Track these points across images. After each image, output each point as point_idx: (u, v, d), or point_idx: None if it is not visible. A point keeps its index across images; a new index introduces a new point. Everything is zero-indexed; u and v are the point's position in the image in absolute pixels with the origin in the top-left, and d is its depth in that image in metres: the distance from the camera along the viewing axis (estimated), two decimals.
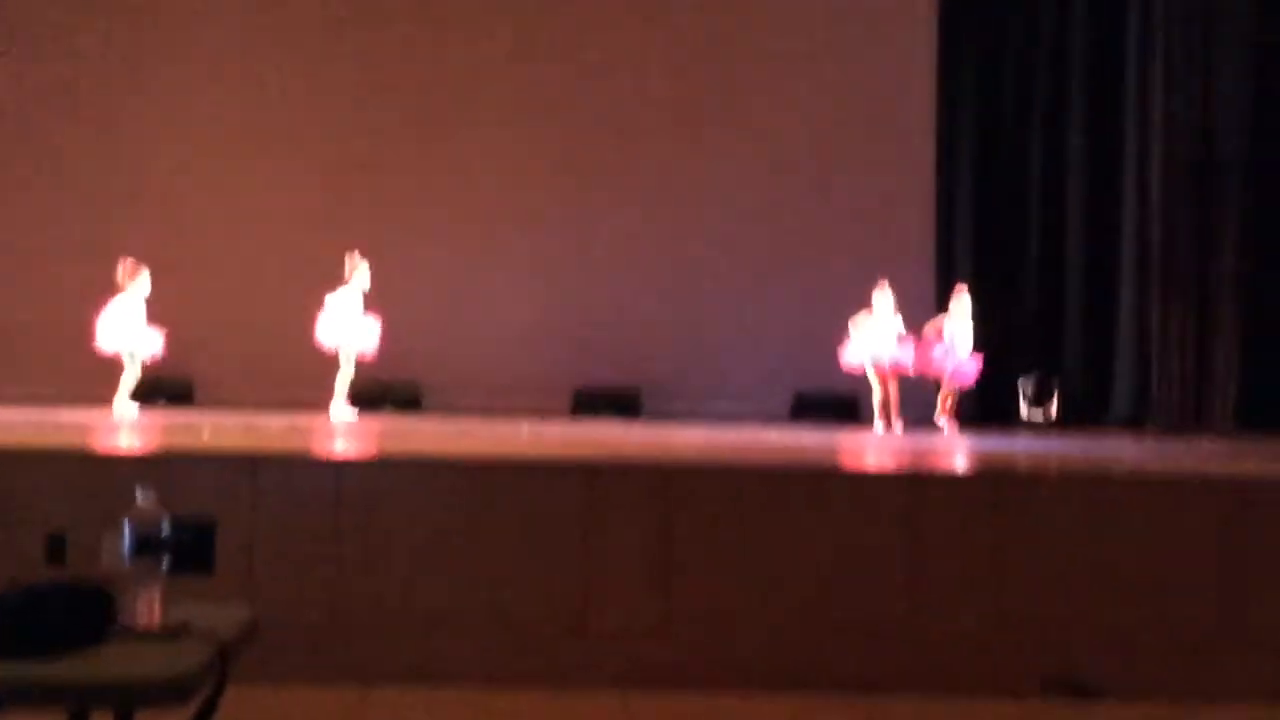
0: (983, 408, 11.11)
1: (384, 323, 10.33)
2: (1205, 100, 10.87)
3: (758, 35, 11.91)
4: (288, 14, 11.89)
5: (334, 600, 5.45)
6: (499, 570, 5.52)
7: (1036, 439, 9.60)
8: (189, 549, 2.96)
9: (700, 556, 5.61)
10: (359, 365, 10.29)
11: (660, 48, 11.92)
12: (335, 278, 10.25)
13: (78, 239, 11.36)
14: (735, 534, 5.64)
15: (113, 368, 10.11)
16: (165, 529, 2.90)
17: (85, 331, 10.06)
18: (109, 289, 10.10)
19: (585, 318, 11.67)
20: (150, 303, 10.13)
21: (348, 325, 10.22)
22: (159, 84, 11.78)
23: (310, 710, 5.04)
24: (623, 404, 11.34)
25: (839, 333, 10.47)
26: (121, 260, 10.09)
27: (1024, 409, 11.11)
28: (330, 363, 10.33)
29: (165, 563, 2.89)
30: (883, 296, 10.29)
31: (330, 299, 10.20)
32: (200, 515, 3.06)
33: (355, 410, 10.25)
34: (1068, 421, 10.95)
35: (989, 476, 6.63)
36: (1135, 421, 10.97)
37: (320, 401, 10.33)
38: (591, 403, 11.35)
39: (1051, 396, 11.11)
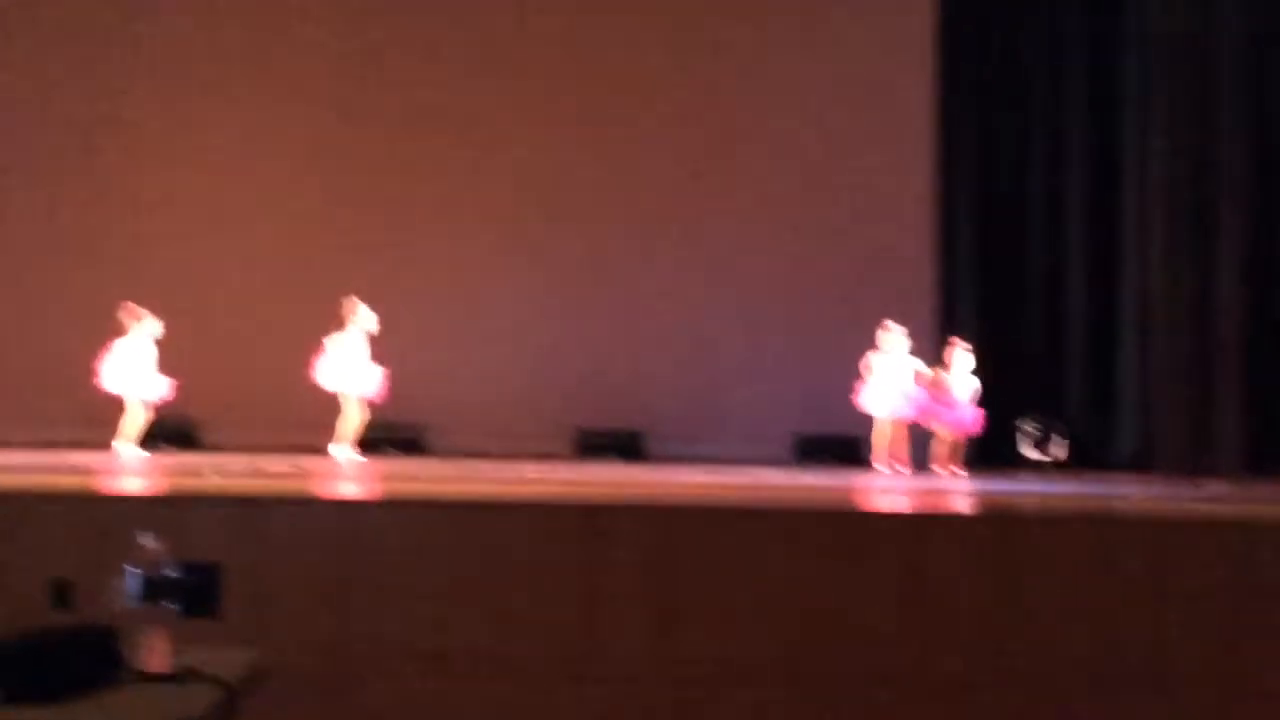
0: (985, 450, 11.08)
1: (387, 364, 10.35)
2: (1204, 141, 10.90)
3: (758, 82, 11.95)
4: (290, 57, 11.93)
5: (339, 642, 5.45)
6: (502, 612, 5.52)
7: (1040, 481, 9.59)
8: (195, 592, 2.96)
9: (702, 598, 5.61)
10: (366, 409, 10.32)
11: (662, 92, 11.95)
12: (337, 320, 10.27)
13: (81, 283, 11.37)
14: (737, 576, 5.64)
15: (117, 412, 10.12)
16: (171, 573, 2.90)
17: (90, 375, 10.09)
18: (114, 333, 10.13)
19: (587, 360, 11.67)
20: (155, 344, 10.16)
21: (348, 369, 10.25)
22: (162, 128, 11.80)
23: None
24: (625, 446, 11.33)
25: (840, 375, 10.48)
26: (124, 305, 10.12)
27: (1027, 451, 11.08)
28: (333, 404, 10.34)
29: (172, 607, 2.89)
30: (890, 338, 10.32)
31: (329, 342, 10.22)
32: (206, 559, 3.06)
33: (358, 453, 10.26)
34: (1071, 464, 10.92)
35: (992, 519, 6.62)
36: (1140, 464, 10.94)
37: (323, 444, 10.33)
38: (593, 444, 11.34)
39: (1055, 439, 11.09)
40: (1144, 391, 11.15)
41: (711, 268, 11.78)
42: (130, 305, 10.12)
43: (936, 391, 10.41)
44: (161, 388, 10.14)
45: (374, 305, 10.41)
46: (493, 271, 11.80)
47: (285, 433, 10.69)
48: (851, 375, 10.48)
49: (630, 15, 12.05)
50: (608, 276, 11.82)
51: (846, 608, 5.59)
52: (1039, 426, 11.11)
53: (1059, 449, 11.03)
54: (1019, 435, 11.09)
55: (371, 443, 10.56)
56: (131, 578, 2.89)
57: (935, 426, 10.49)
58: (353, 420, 10.30)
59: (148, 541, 2.95)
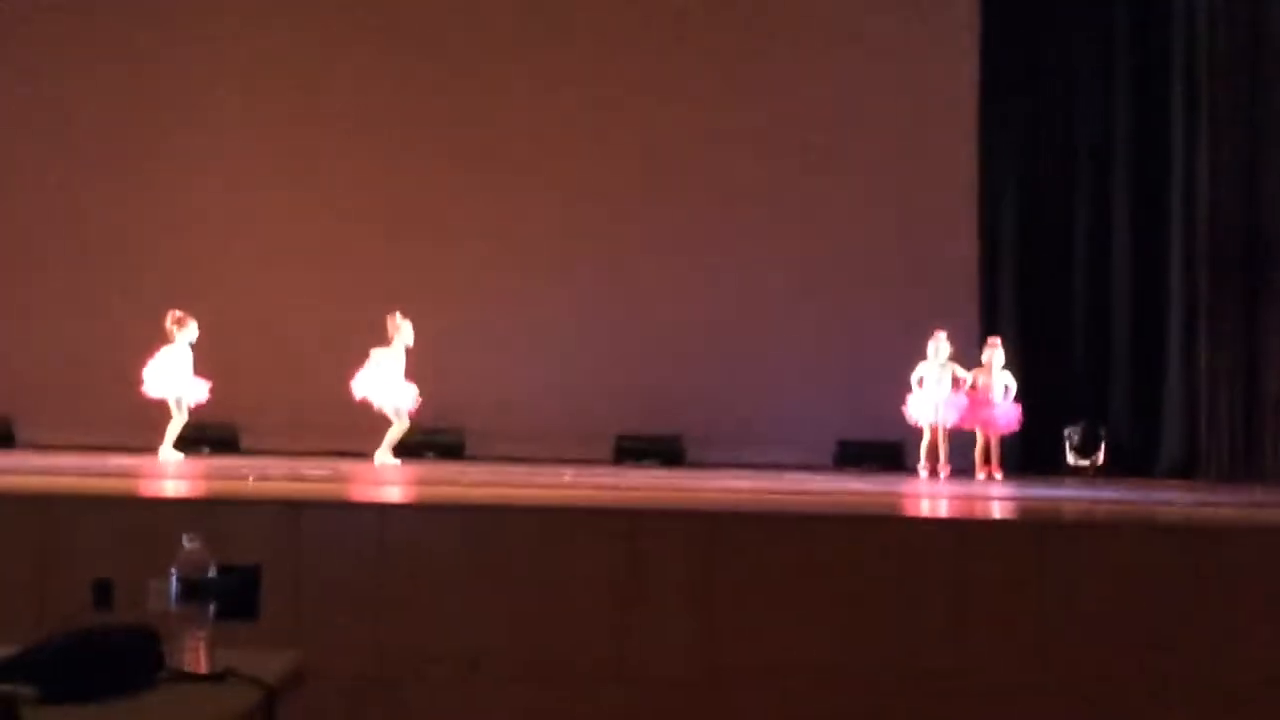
0: (1028, 456, 11.02)
1: (427, 370, 10.36)
2: (1252, 145, 10.80)
3: (799, 87, 11.90)
4: (335, 64, 11.97)
5: (378, 645, 5.45)
6: (541, 617, 5.51)
7: (1083, 488, 9.52)
8: (235, 594, 2.96)
9: (742, 605, 5.58)
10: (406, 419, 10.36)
11: (703, 98, 11.93)
12: (379, 326, 10.30)
13: (125, 288, 11.46)
14: (777, 582, 5.61)
15: (160, 416, 10.18)
16: (213, 574, 2.90)
17: (133, 379, 10.15)
18: (156, 338, 10.19)
19: (627, 365, 11.65)
20: (196, 349, 10.22)
21: (389, 383, 10.25)
22: (206, 134, 11.86)
23: None
24: (665, 451, 11.30)
25: (883, 380, 10.42)
26: (170, 311, 10.19)
27: (1070, 458, 11.01)
28: (374, 411, 10.36)
29: (212, 608, 2.89)
30: (938, 347, 10.29)
31: (375, 354, 10.23)
32: (246, 561, 3.06)
33: (394, 459, 10.28)
34: (1115, 470, 10.84)
35: (1035, 524, 6.57)
36: (1184, 471, 10.85)
37: (364, 449, 10.35)
38: (633, 450, 11.32)
39: (1098, 445, 11.00)
40: (1189, 397, 11.04)
41: (752, 272, 11.75)
42: (177, 312, 10.16)
43: (974, 392, 10.37)
44: (200, 391, 10.18)
45: (415, 310, 10.42)
46: (534, 277, 11.79)
47: (326, 438, 10.73)
48: (894, 380, 10.42)
49: (663, 20, 12.03)
50: (647, 282, 11.80)
51: (888, 613, 5.55)
52: (1083, 432, 11.03)
53: (1102, 455, 10.94)
54: (1063, 441, 11.02)
55: (412, 448, 10.57)
56: (173, 579, 2.89)
57: (975, 428, 10.44)
58: (397, 429, 10.31)
59: (189, 543, 2.95)
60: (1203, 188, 10.96)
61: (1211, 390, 10.81)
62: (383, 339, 10.28)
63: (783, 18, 11.96)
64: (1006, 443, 10.64)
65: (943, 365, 10.38)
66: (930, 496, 8.54)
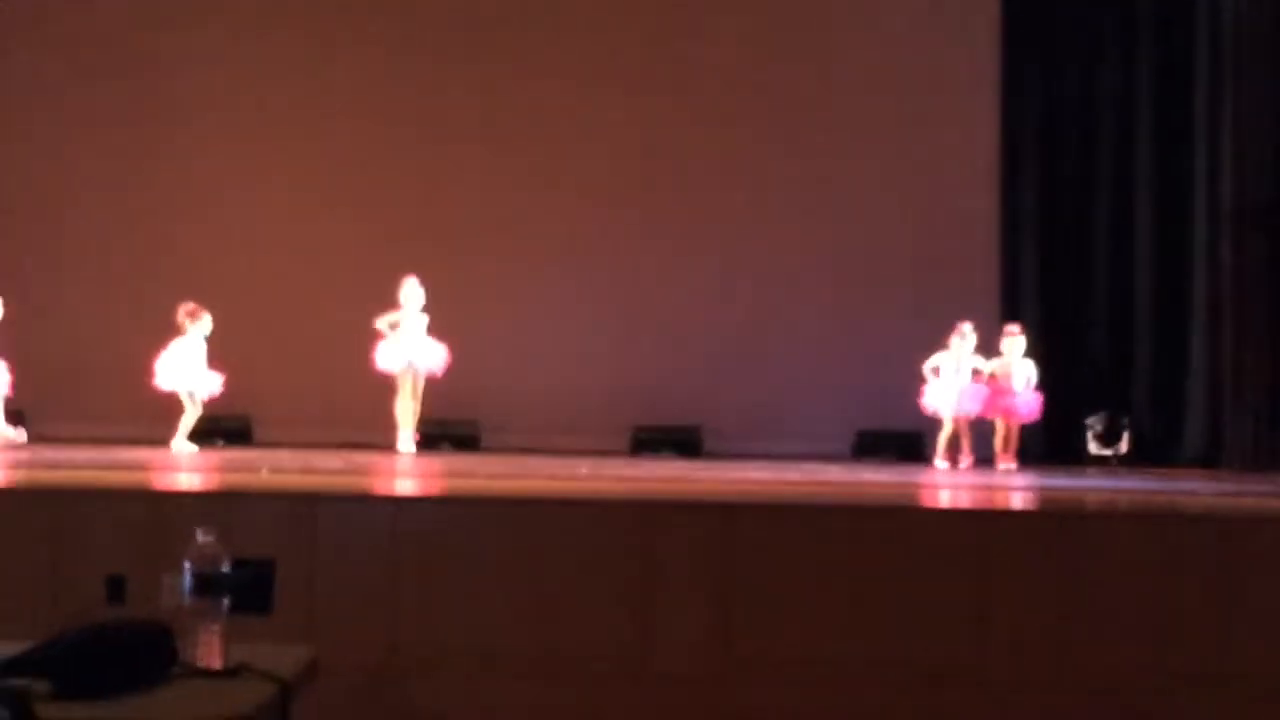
0: (1051, 446, 10.97)
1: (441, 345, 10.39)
2: (1276, 139, 10.72)
3: (820, 81, 11.86)
4: (346, 54, 11.95)
5: (391, 639, 5.41)
6: (558, 610, 5.46)
7: (1106, 477, 9.45)
8: (249, 588, 2.93)
9: (762, 597, 5.53)
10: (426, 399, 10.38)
11: (720, 88, 11.88)
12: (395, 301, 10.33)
13: (137, 278, 11.46)
14: (796, 573, 5.55)
15: (172, 408, 10.17)
16: (225, 568, 2.87)
17: (145, 371, 10.14)
18: (169, 330, 10.17)
19: (644, 356, 11.62)
20: (209, 341, 10.20)
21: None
22: (215, 127, 11.86)
23: None
24: (682, 442, 11.27)
25: (901, 370, 10.37)
26: (182, 304, 10.16)
27: (1093, 447, 10.95)
28: (386, 403, 10.36)
29: (225, 602, 2.86)
30: (964, 342, 10.24)
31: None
32: (260, 555, 3.03)
33: (415, 444, 10.31)
34: (1138, 460, 10.78)
35: (1057, 515, 6.50)
36: (1208, 460, 10.79)
37: (378, 441, 10.35)
38: (651, 441, 11.29)
39: (1121, 435, 10.95)
40: (1212, 386, 10.99)
41: (769, 262, 11.71)
42: (190, 305, 10.13)
43: (994, 382, 10.33)
44: (213, 384, 10.16)
45: (430, 302, 10.41)
46: (549, 269, 11.78)
47: (340, 430, 10.73)
48: (913, 370, 10.37)
49: (674, 14, 11.99)
50: (664, 273, 11.78)
51: (908, 606, 5.49)
52: (1105, 422, 10.97)
53: (1125, 445, 10.89)
54: (1085, 431, 10.97)
55: (427, 439, 10.57)
56: (186, 573, 2.86)
57: (995, 417, 10.39)
58: (411, 407, 10.32)
59: (202, 537, 2.92)
60: (1227, 178, 10.89)
61: (1235, 379, 10.75)
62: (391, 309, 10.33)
63: (796, 9, 11.90)
64: (1029, 432, 10.60)
65: (966, 359, 10.31)
66: (951, 487, 8.48)
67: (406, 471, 8.74)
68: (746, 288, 11.71)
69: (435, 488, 7.40)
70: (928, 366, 10.35)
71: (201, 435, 10.32)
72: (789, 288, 11.68)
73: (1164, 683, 5.42)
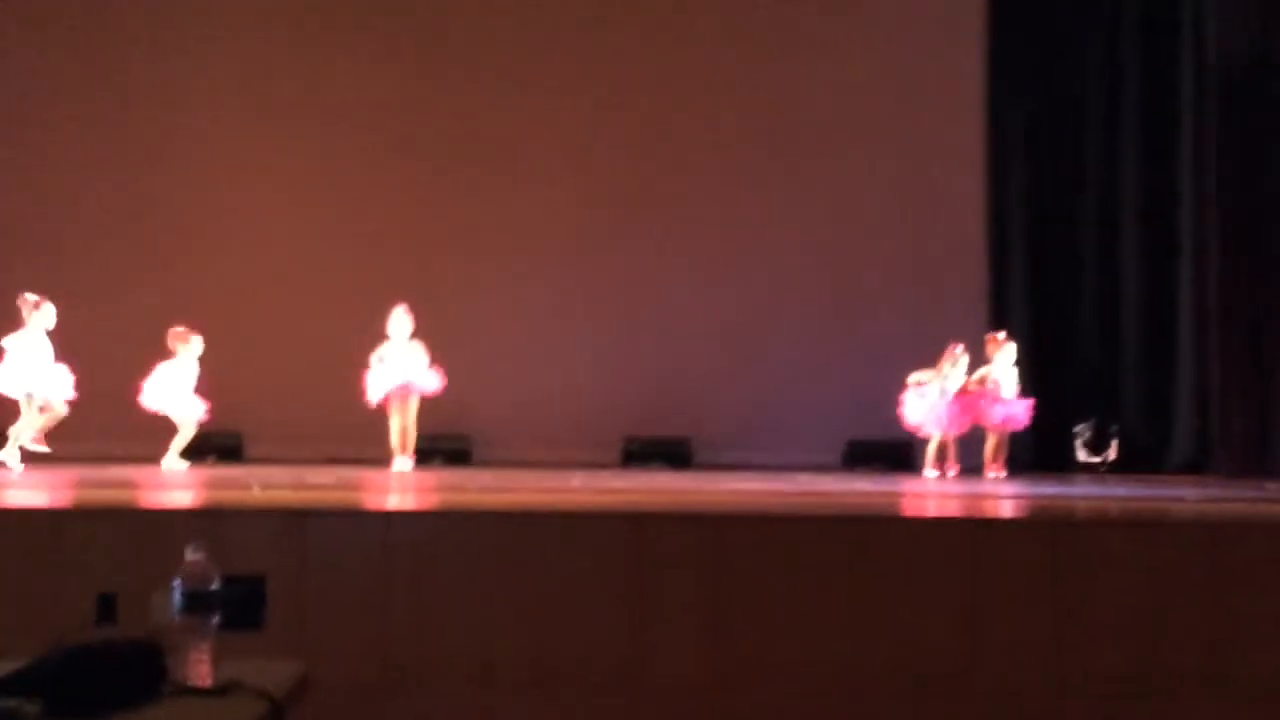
0: (1040, 454, 10.99)
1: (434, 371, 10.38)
2: (1263, 139, 10.77)
3: (809, 89, 11.89)
4: (335, 68, 11.96)
5: (385, 654, 5.40)
6: (551, 622, 5.46)
7: (1095, 485, 9.47)
8: (240, 605, 2.93)
9: (753, 607, 5.53)
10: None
11: (714, 100, 11.91)
12: (384, 333, 10.30)
13: (128, 298, 11.43)
14: (788, 584, 5.56)
15: (161, 427, 10.14)
16: (216, 585, 2.87)
17: (133, 390, 10.10)
18: (158, 346, 10.14)
19: (634, 368, 11.63)
20: (201, 359, 10.18)
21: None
22: (206, 142, 11.86)
23: None
24: (673, 454, 11.28)
25: (891, 380, 10.37)
26: (171, 328, 10.08)
27: (1081, 455, 10.97)
28: (380, 417, 10.35)
29: (216, 619, 2.86)
30: (955, 366, 10.23)
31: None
32: (251, 571, 3.03)
33: (410, 463, 10.30)
34: (1126, 468, 10.80)
35: (1047, 522, 6.51)
36: (1196, 467, 10.81)
37: (371, 457, 10.33)
38: (641, 453, 11.29)
39: (1110, 442, 10.97)
40: (1200, 393, 11.02)
41: (758, 273, 11.73)
42: (180, 328, 10.05)
43: (982, 390, 10.31)
44: (198, 410, 10.04)
45: (420, 316, 10.40)
46: (538, 281, 11.79)
47: (332, 446, 10.71)
48: (903, 380, 10.38)
49: (668, 20, 12.00)
50: (654, 284, 11.78)
51: (900, 615, 5.50)
52: (1094, 429, 11.00)
53: (1113, 452, 10.91)
54: (1074, 439, 10.99)
55: (419, 454, 10.56)
56: (176, 591, 2.86)
57: (985, 425, 10.39)
58: (408, 429, 10.31)
59: (192, 554, 2.93)
60: (1213, 186, 10.92)
61: (1223, 386, 10.78)
62: (380, 341, 10.30)
63: (788, 16, 11.93)
64: (1018, 440, 10.60)
65: (952, 379, 10.29)
66: (941, 496, 8.49)
67: (398, 486, 8.73)
68: (736, 299, 11.72)
69: (427, 501, 7.39)
70: (912, 379, 10.32)
71: (193, 452, 10.30)
72: (778, 299, 11.70)
73: (1155, 689, 5.43)
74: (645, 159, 11.92)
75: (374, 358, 10.23)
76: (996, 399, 10.33)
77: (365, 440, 10.46)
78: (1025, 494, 8.48)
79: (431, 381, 10.29)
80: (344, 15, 12.04)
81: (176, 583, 2.85)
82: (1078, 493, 8.78)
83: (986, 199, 11.70)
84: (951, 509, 7.47)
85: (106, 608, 2.86)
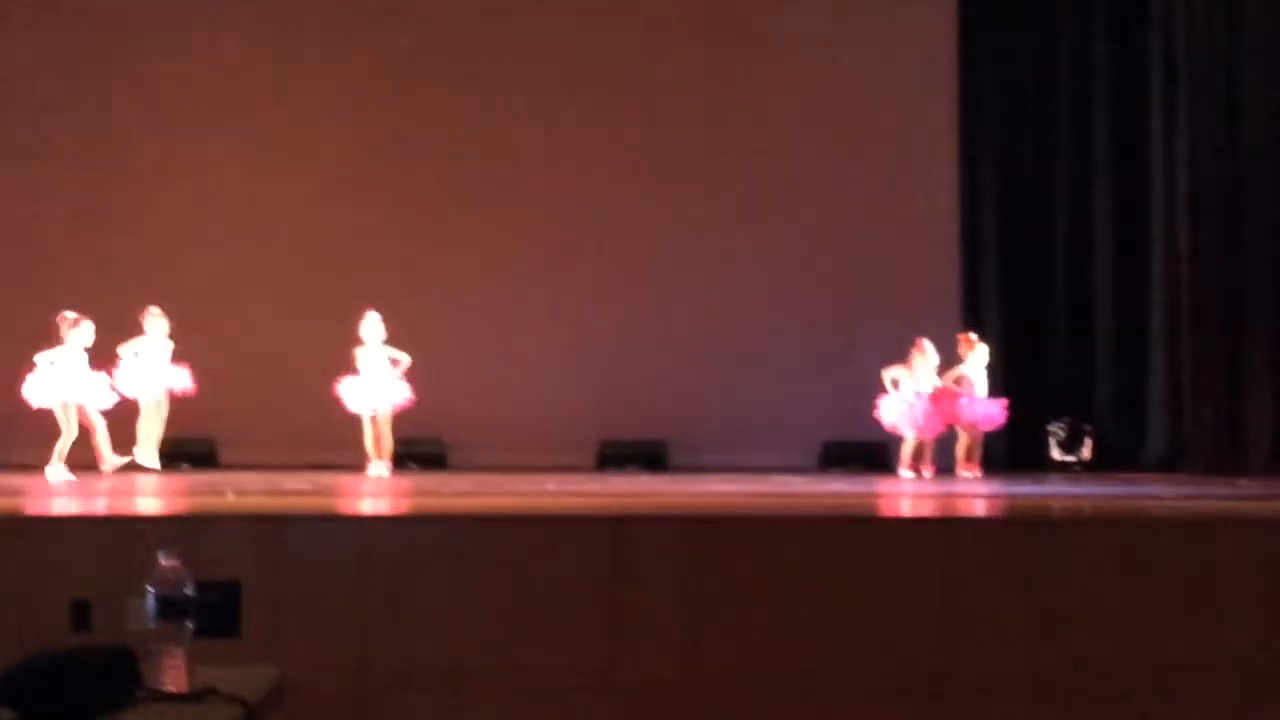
0: (1014, 453, 11.02)
1: (409, 380, 10.34)
2: (1231, 141, 10.84)
3: (780, 88, 11.90)
4: (311, 67, 11.92)
5: (362, 660, 5.39)
6: (528, 626, 5.45)
7: (1070, 483, 9.50)
8: (215, 611, 2.92)
9: (730, 609, 5.53)
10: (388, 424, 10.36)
11: (683, 103, 11.91)
12: (358, 337, 10.28)
13: (97, 297, 11.33)
14: (765, 585, 5.56)
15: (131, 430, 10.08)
16: (189, 591, 2.85)
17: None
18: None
19: (609, 371, 11.62)
20: (176, 363, 10.13)
21: (370, 384, 10.24)
22: (174, 139, 11.79)
23: None
24: (649, 457, 11.27)
25: (866, 381, 10.39)
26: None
27: (1056, 454, 11.01)
28: (355, 422, 10.33)
29: (190, 625, 2.85)
30: (924, 358, 10.25)
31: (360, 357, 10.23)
32: (226, 577, 3.02)
33: (386, 468, 10.27)
34: (1100, 466, 10.84)
35: (1022, 522, 6.54)
36: (1169, 464, 10.86)
37: (346, 462, 10.30)
38: (617, 456, 11.28)
39: (1084, 441, 11.02)
40: (1173, 391, 11.07)
41: (733, 275, 11.74)
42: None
43: (956, 390, 10.33)
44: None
45: (394, 322, 10.38)
46: (513, 284, 11.76)
47: (306, 451, 10.66)
48: (878, 381, 10.39)
49: (642, 27, 12.01)
50: (629, 287, 11.77)
51: (877, 615, 5.51)
52: (1068, 428, 11.04)
53: (1087, 450, 10.95)
54: (1048, 438, 11.02)
55: (394, 459, 10.53)
56: (150, 597, 2.85)
57: (958, 426, 10.41)
58: (384, 434, 10.30)
59: (166, 560, 2.91)
60: (1183, 182, 10.98)
61: (1195, 384, 10.83)
62: (355, 345, 10.30)
63: (758, 14, 11.94)
64: (992, 440, 10.63)
65: (923, 374, 10.32)
66: (916, 496, 8.51)
67: (373, 491, 8.70)
68: (710, 302, 11.72)
69: (403, 507, 7.37)
70: (887, 377, 10.35)
71: (166, 459, 10.25)
72: (753, 301, 11.70)
73: (1131, 685, 5.45)
74: (620, 162, 11.91)
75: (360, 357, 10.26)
76: (971, 399, 10.35)
77: (341, 446, 10.42)
78: (1000, 493, 8.52)
79: (399, 395, 10.27)
80: (320, 17, 11.99)
81: (149, 589, 2.83)
82: (1052, 491, 8.82)
83: (959, 198, 11.73)
84: (927, 509, 7.49)
85: (81, 615, 2.85)
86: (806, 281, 11.67)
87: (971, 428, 10.38)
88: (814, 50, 11.88)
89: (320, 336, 10.63)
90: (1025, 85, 11.80)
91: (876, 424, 10.47)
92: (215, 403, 10.51)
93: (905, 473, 10.31)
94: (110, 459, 9.74)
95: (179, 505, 7.29)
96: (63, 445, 9.45)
